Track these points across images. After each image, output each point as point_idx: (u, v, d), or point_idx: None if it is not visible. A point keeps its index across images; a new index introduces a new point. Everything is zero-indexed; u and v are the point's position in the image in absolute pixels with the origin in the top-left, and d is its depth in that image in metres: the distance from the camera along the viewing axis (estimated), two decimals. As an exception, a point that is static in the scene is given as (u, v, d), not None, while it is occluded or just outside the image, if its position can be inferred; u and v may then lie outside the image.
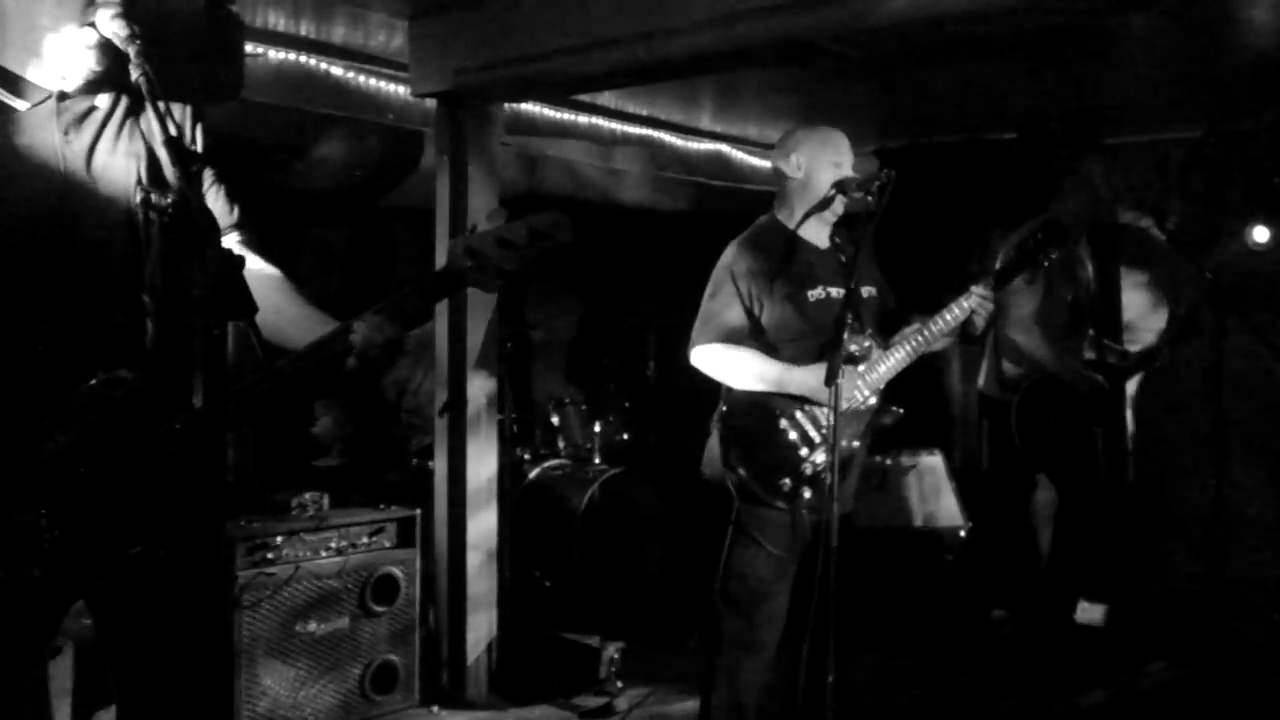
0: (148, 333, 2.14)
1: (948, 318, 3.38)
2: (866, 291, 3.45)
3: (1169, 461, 6.32)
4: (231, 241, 2.31)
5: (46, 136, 2.10)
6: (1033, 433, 4.79)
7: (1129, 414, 6.17)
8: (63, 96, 2.12)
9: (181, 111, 2.27)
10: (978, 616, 4.99)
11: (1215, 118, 5.87)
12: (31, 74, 2.10)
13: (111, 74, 2.12)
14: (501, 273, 2.13)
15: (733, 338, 3.37)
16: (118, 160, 2.17)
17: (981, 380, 5.01)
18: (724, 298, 3.40)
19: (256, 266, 2.31)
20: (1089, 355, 4.83)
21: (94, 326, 2.10)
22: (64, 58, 2.09)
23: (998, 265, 3.57)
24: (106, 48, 2.08)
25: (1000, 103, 5.94)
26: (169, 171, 2.12)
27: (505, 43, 4.38)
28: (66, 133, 2.11)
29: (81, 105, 2.15)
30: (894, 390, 3.46)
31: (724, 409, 3.46)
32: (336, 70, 5.03)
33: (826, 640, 3.00)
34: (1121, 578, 6.16)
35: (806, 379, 3.29)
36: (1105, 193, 4.82)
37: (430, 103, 4.84)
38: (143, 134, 2.20)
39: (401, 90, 5.17)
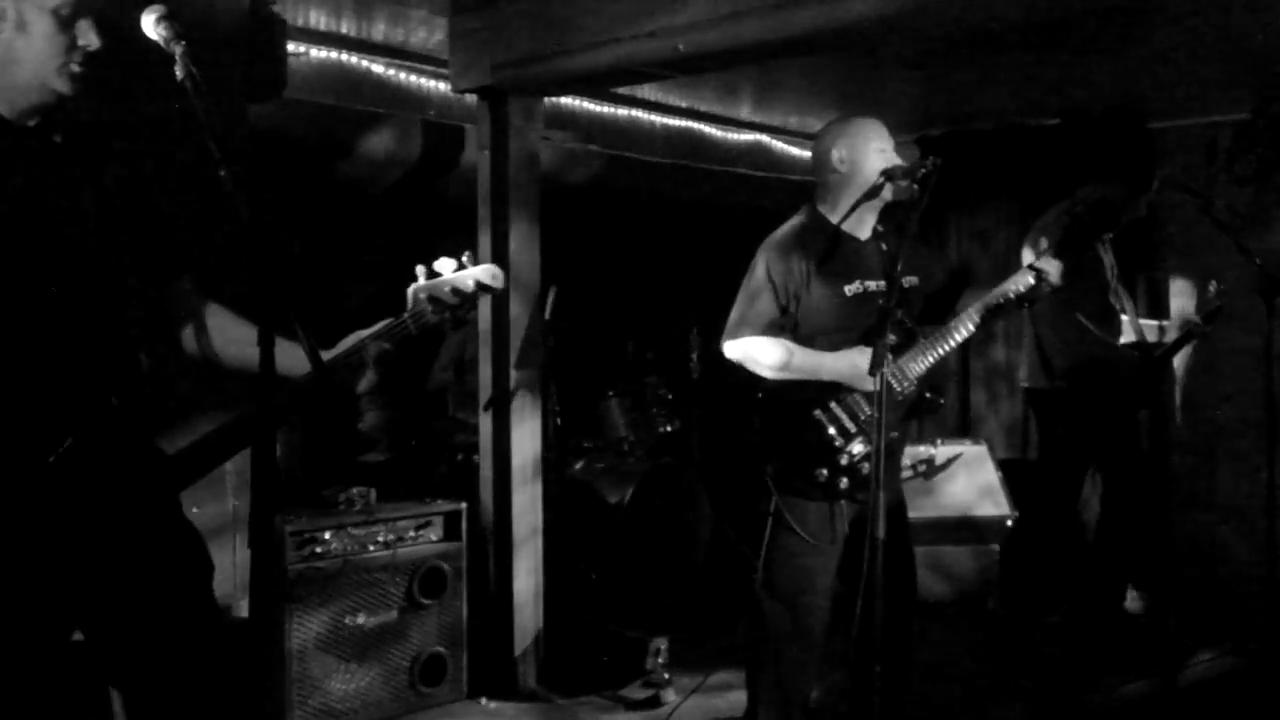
0: (141, 363, 2.23)
1: (993, 305, 3.38)
2: (908, 281, 3.43)
3: (1219, 449, 6.25)
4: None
5: (15, 166, 2.13)
6: (1082, 421, 4.74)
7: (1177, 397, 6.11)
8: (25, 130, 2.16)
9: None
10: (1027, 607, 4.95)
11: (1263, 99, 5.78)
12: (3, 107, 2.14)
13: (73, 108, 2.19)
14: (455, 317, 2.35)
15: (766, 330, 3.36)
16: (81, 192, 2.20)
17: (1025, 375, 4.95)
18: (758, 292, 3.39)
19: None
20: (1130, 338, 4.78)
21: (75, 361, 2.13)
22: (26, 90, 2.13)
23: (1051, 242, 3.54)
24: (74, 97, 2.15)
25: (1043, 89, 5.88)
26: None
27: (544, 37, 4.39)
28: (34, 164, 2.15)
29: (42, 140, 2.18)
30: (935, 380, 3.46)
31: (760, 399, 3.46)
32: (377, 67, 5.07)
33: (873, 629, 2.99)
34: (1168, 566, 6.10)
35: (838, 366, 3.30)
36: (1138, 184, 4.75)
37: (471, 98, 4.86)
38: (105, 171, 2.25)
39: (442, 86, 5.19)
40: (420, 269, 2.35)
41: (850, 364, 3.28)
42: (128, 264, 2.25)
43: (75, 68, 2.12)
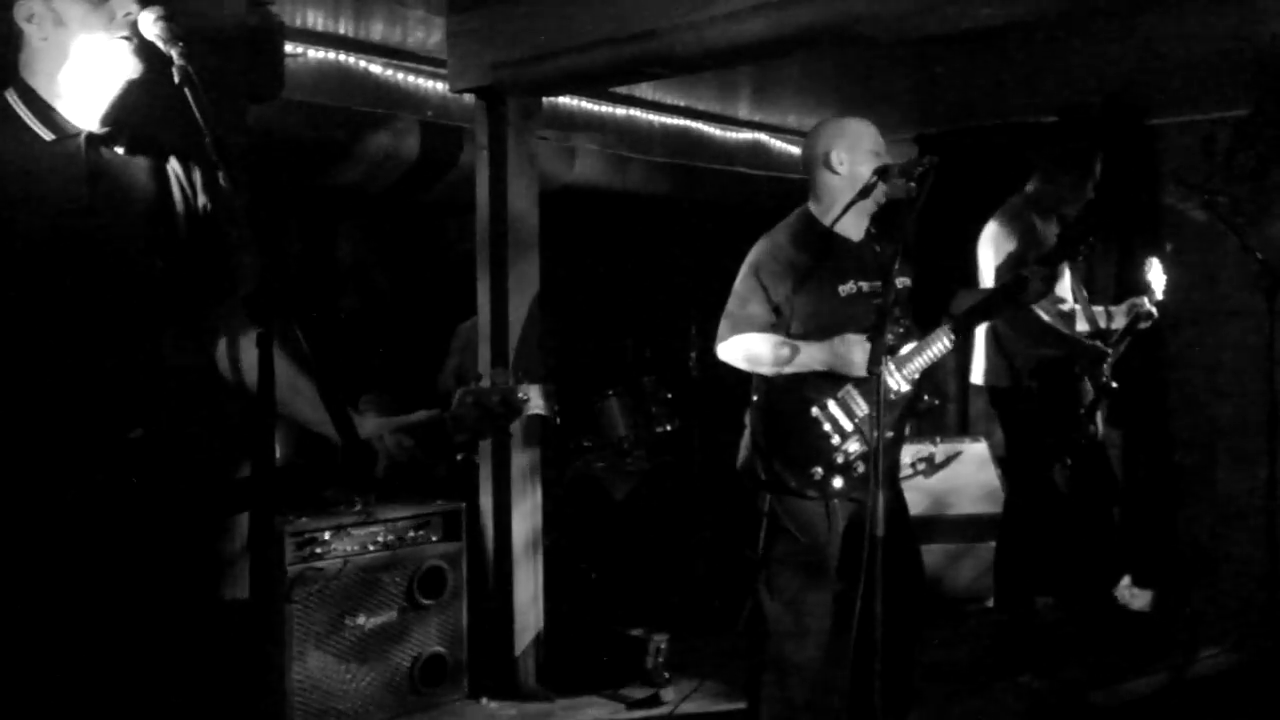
0: (166, 389, 2.18)
1: (984, 308, 3.41)
2: (902, 282, 3.43)
3: (1221, 446, 6.25)
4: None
5: (73, 175, 2.11)
6: (1050, 416, 4.71)
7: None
8: (90, 139, 2.14)
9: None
10: (1021, 601, 4.94)
11: (1262, 96, 5.78)
12: (61, 106, 2.12)
13: (134, 116, 2.17)
14: (499, 428, 2.24)
15: (757, 329, 3.38)
16: (135, 210, 2.18)
17: (981, 377, 4.90)
18: (748, 295, 3.41)
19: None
20: (1084, 327, 4.76)
21: (108, 378, 2.11)
22: (92, 87, 2.12)
23: (1036, 251, 3.58)
24: (127, 95, 2.13)
25: (1041, 86, 5.88)
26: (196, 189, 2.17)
27: (543, 37, 4.38)
28: (92, 176, 2.12)
29: (107, 150, 2.16)
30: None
31: (755, 399, 3.47)
32: (375, 68, 5.06)
33: (874, 629, 2.99)
34: (1171, 562, 6.10)
35: (824, 355, 3.30)
36: (1081, 183, 4.74)
37: (469, 98, 4.85)
38: (172, 185, 2.23)
39: (440, 86, 5.19)
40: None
41: (834, 352, 3.29)
42: (171, 284, 2.21)
43: (124, 40, 2.08)
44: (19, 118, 2.11)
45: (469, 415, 2.20)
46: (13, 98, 2.12)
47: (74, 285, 2.07)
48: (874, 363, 2.93)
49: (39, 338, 2.04)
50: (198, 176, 2.30)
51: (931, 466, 5.92)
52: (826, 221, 3.43)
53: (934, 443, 6.03)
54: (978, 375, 4.91)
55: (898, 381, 3.34)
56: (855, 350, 3.25)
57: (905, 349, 3.37)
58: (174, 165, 2.26)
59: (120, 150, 2.19)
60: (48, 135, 2.11)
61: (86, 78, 2.11)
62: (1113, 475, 4.95)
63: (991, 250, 4.61)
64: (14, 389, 2.03)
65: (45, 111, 2.11)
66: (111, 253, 2.13)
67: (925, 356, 3.37)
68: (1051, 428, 4.74)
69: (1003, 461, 5.78)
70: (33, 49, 2.11)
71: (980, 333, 4.82)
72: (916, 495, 5.67)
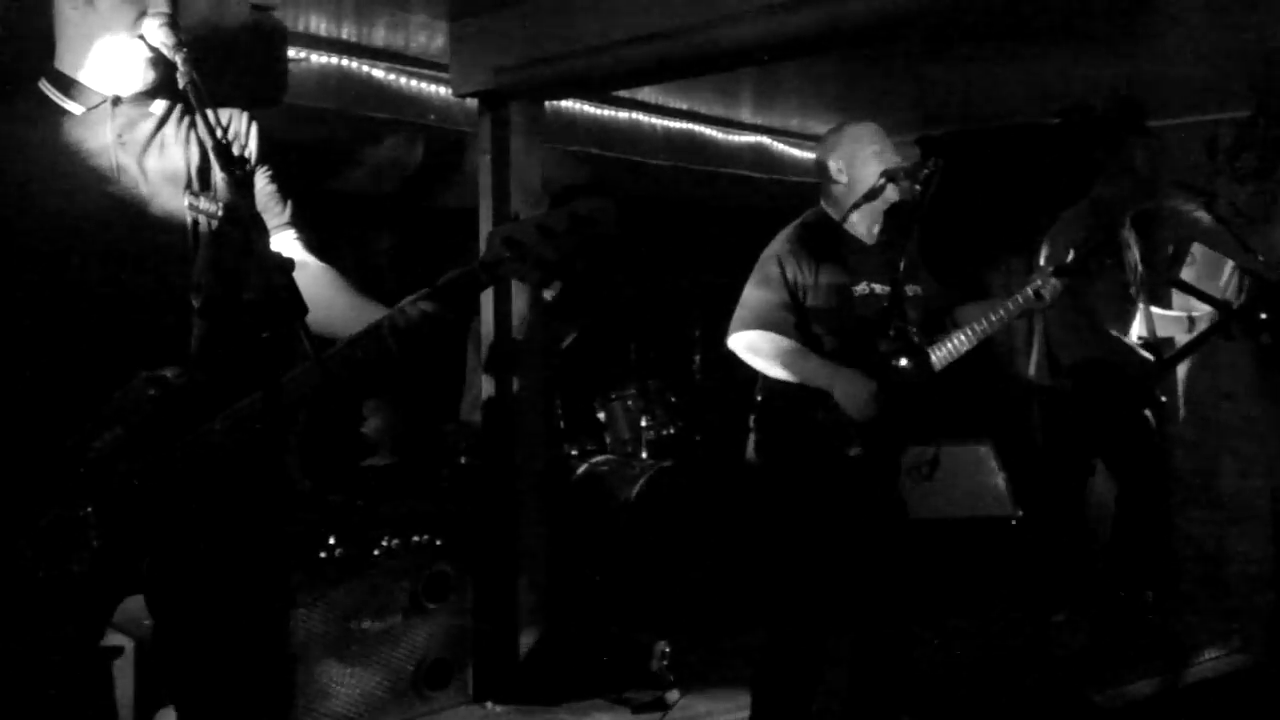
0: (194, 333, 2.19)
1: (993, 317, 3.41)
2: (911, 290, 3.45)
3: (1224, 449, 6.24)
4: (284, 238, 2.36)
5: (100, 138, 2.15)
6: (1086, 418, 4.73)
7: (1180, 401, 6.10)
8: (117, 101, 2.18)
9: (238, 118, 2.33)
10: (1032, 605, 4.95)
11: (1264, 97, 5.78)
12: (85, 78, 2.17)
13: (164, 82, 2.19)
14: (542, 263, 1.94)
15: (773, 326, 3.36)
16: (170, 163, 2.22)
17: (1032, 370, 4.94)
18: (769, 286, 3.40)
19: (306, 261, 2.36)
20: (1142, 334, 4.76)
21: (142, 325, 2.14)
22: (116, 66, 2.16)
23: (1055, 261, 3.58)
24: (157, 62, 2.15)
25: (1043, 87, 5.88)
26: (219, 176, 2.19)
27: (545, 40, 4.39)
28: (120, 135, 2.17)
29: (135, 110, 2.21)
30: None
31: (759, 400, 3.47)
32: (378, 73, 5.08)
33: (880, 630, 3.00)
34: (1172, 564, 6.09)
35: (835, 384, 3.26)
36: (1147, 176, 4.75)
37: (471, 103, 4.86)
38: (197, 138, 2.26)
39: (443, 91, 5.20)
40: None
41: (841, 384, 3.26)
42: (202, 237, 2.22)
43: (158, 22, 2.08)
44: (51, 101, 2.17)
45: (502, 258, 1.95)
46: (45, 85, 2.18)
47: (106, 250, 2.11)
48: (879, 370, 2.93)
49: (71, 295, 2.08)
50: (240, 123, 2.33)
51: (935, 468, 5.91)
52: (839, 221, 3.46)
53: (938, 445, 6.02)
54: (1030, 369, 4.95)
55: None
56: (863, 390, 3.23)
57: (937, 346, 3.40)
58: (210, 115, 2.26)
59: (152, 110, 2.23)
60: (78, 109, 2.16)
61: (118, 56, 2.14)
62: (1162, 484, 4.93)
63: (1045, 251, 4.62)
64: (44, 346, 2.07)
65: (69, 86, 2.17)
66: (145, 209, 2.16)
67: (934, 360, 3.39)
68: (1088, 432, 4.75)
69: (1021, 465, 5.80)
70: (64, 19, 2.16)
71: (1037, 329, 4.85)
72: (918, 498, 5.67)
